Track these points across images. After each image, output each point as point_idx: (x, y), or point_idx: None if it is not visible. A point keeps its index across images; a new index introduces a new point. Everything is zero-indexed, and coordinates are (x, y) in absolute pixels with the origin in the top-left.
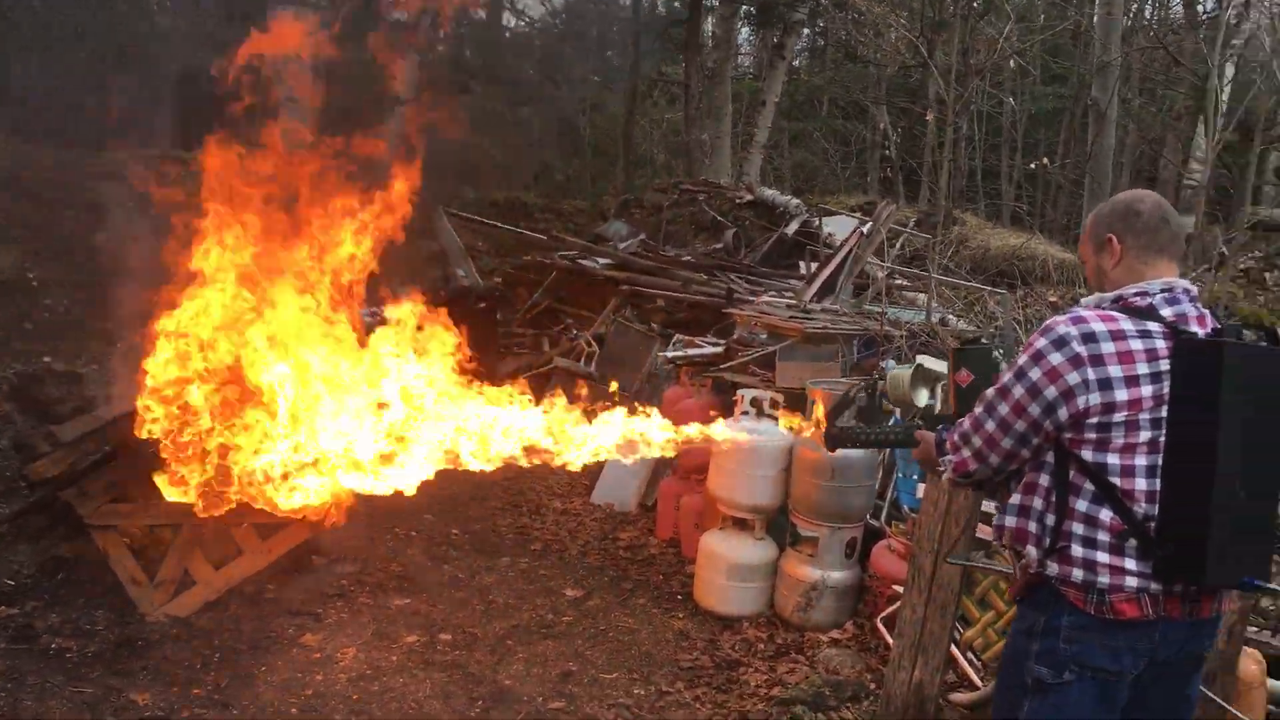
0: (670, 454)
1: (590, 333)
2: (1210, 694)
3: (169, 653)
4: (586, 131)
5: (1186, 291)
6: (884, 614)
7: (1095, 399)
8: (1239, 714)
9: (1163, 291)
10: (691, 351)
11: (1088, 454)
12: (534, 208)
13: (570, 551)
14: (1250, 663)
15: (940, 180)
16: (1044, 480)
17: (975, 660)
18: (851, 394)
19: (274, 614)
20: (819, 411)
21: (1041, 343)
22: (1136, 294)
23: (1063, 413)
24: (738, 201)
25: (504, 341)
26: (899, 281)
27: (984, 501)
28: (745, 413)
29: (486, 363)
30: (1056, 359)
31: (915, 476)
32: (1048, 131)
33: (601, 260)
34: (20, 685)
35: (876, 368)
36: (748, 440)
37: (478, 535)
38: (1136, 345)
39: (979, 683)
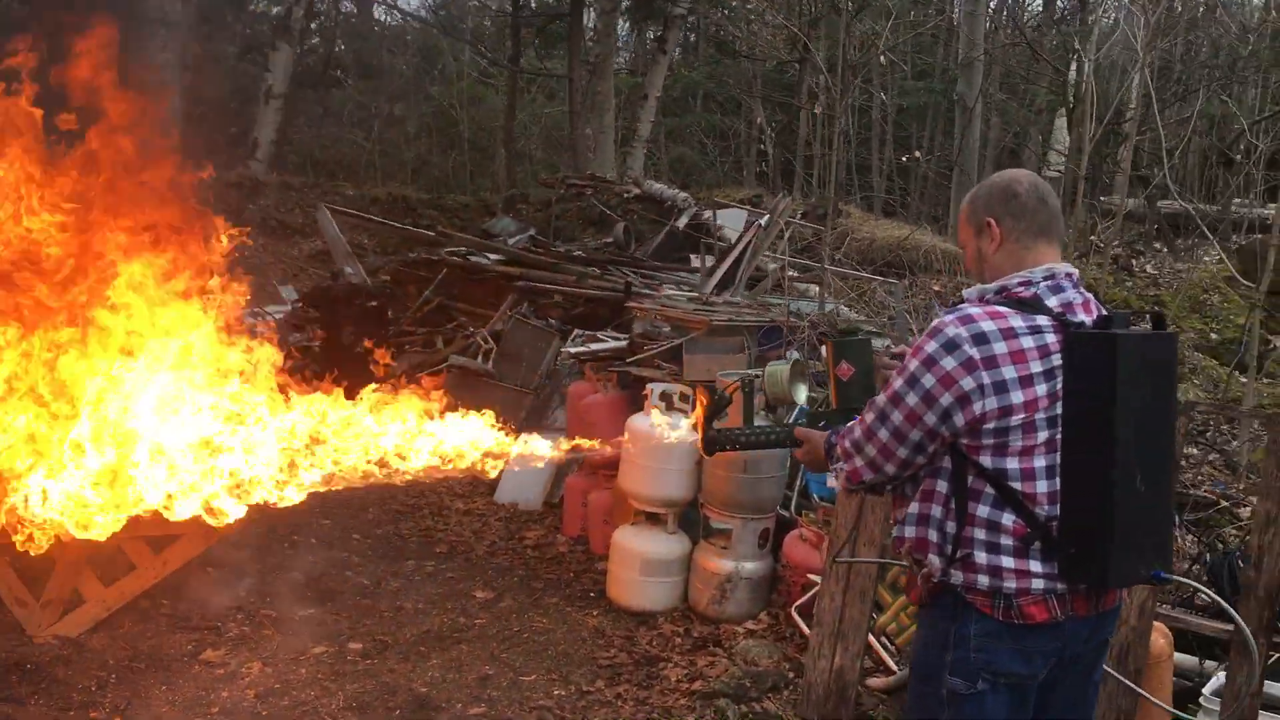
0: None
1: (487, 330)
2: (1118, 675)
3: (61, 674)
4: (464, 126)
5: (1069, 276)
6: (798, 603)
7: (991, 404)
8: (1148, 695)
9: (1045, 280)
10: (595, 346)
11: (986, 460)
12: (416, 203)
13: (477, 553)
14: (1158, 637)
15: (829, 174)
16: (942, 487)
17: (889, 645)
18: (728, 394)
19: (171, 630)
20: (697, 414)
21: (932, 346)
22: (1020, 284)
23: (959, 419)
24: (625, 196)
25: (395, 340)
26: (791, 274)
27: None
28: (655, 407)
29: (379, 361)
30: (949, 364)
31: None
32: (917, 125)
33: (492, 256)
34: None
35: (784, 359)
36: (659, 434)
37: (380, 540)
38: (1028, 343)
39: (894, 667)
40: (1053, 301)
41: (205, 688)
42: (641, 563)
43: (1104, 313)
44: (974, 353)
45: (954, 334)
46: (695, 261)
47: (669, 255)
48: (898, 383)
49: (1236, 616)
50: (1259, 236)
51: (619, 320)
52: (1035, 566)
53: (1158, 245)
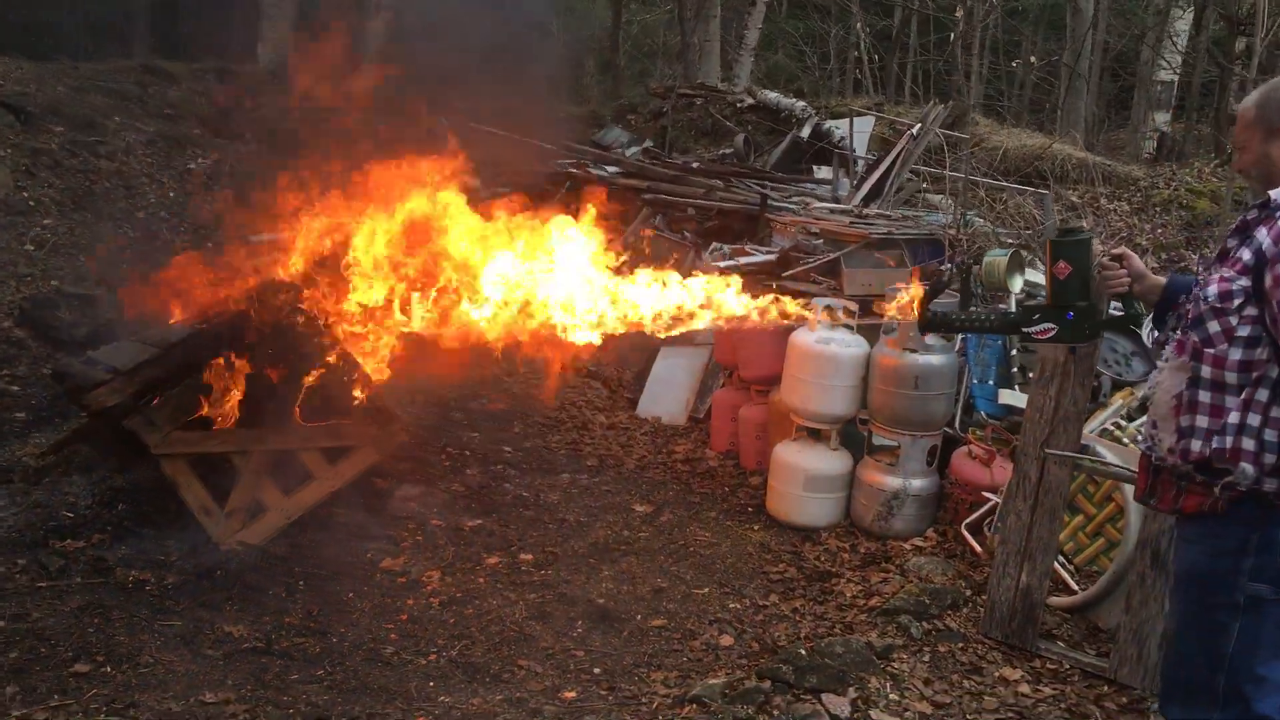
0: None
1: (620, 242)
2: None
3: (251, 580)
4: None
5: None
6: (968, 520)
7: None
8: None
9: None
10: (742, 260)
11: None
12: (526, 115)
13: (627, 466)
14: None
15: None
16: (1262, 396)
17: (1067, 564)
18: (946, 278)
19: (348, 539)
20: (915, 293)
21: None
22: None
23: None
24: (738, 106)
25: None
26: (924, 185)
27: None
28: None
29: None
30: None
31: (991, 382)
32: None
33: (610, 168)
34: (107, 619)
35: (940, 274)
36: (826, 350)
37: (531, 453)
38: None
39: (1074, 586)
40: None
41: (390, 595)
42: (805, 478)
43: None
44: None
45: None
46: (819, 173)
47: (790, 167)
48: None
49: None
50: None
51: (754, 233)
52: None
53: None
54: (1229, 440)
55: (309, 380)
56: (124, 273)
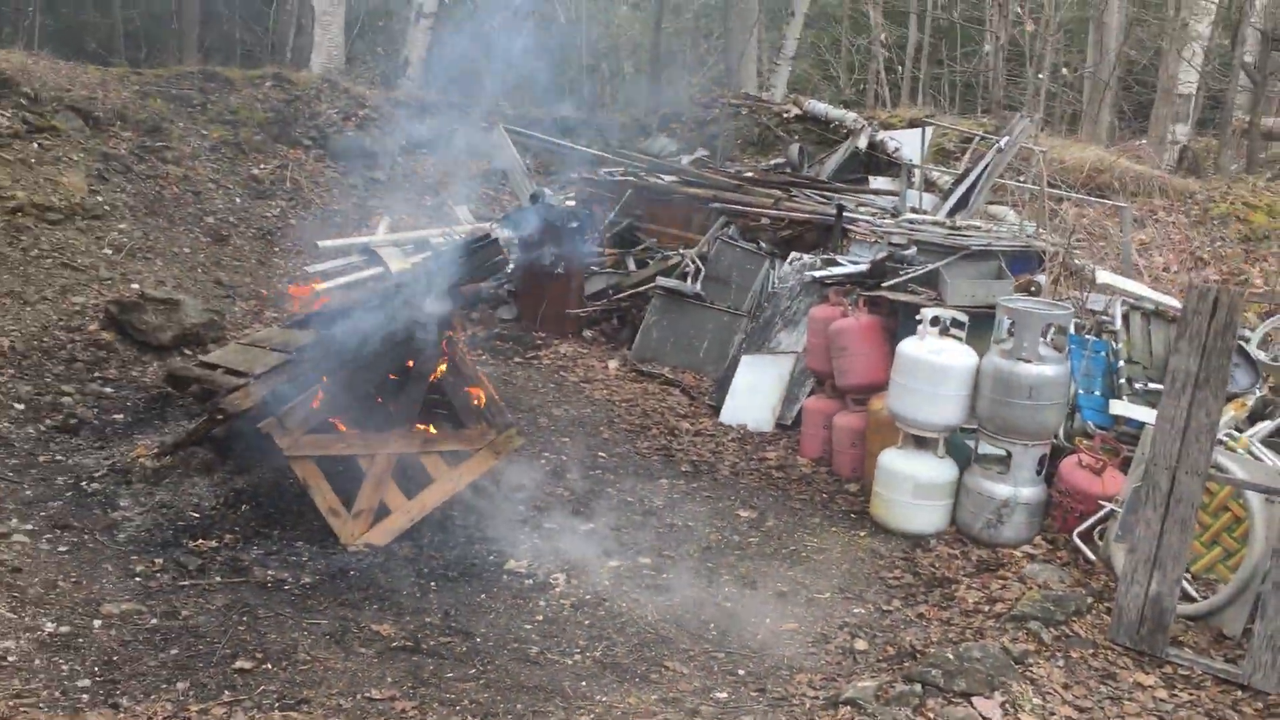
0: None
1: (695, 251)
2: None
3: (383, 580)
4: (583, 44)
5: None
6: (1080, 528)
7: None
8: None
9: None
10: (836, 271)
11: None
12: (575, 122)
13: (721, 472)
14: None
15: (1026, 92)
16: None
17: (1185, 573)
18: None
19: (469, 541)
20: None
21: None
22: None
23: None
24: (785, 116)
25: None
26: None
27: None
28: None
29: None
30: None
31: (1097, 393)
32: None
33: (667, 177)
34: (254, 618)
35: (1031, 285)
36: (938, 359)
37: (623, 458)
38: None
39: (1194, 594)
40: None
41: (521, 596)
42: (914, 486)
43: None
44: None
45: None
46: (874, 183)
47: (846, 177)
48: None
49: None
50: None
51: (829, 243)
52: None
53: None
54: None
55: (430, 383)
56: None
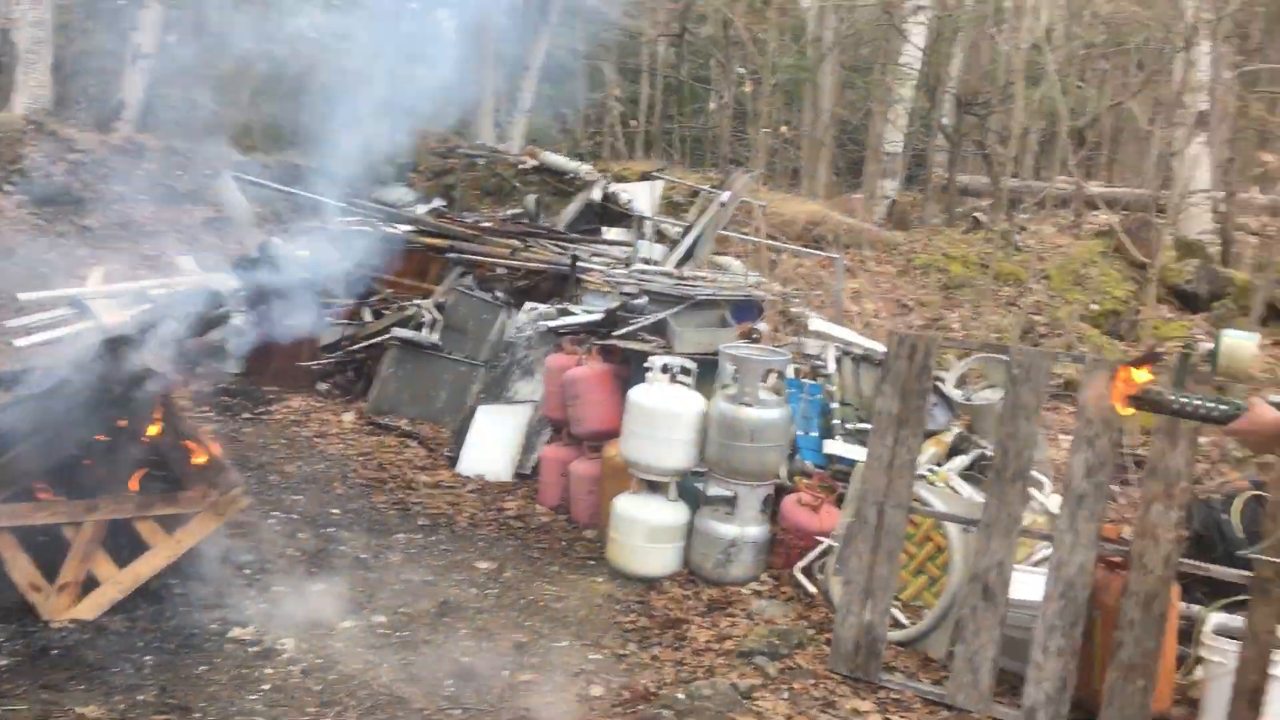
0: None
1: (432, 301)
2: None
3: (92, 658)
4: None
5: None
6: (801, 564)
7: None
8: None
9: None
10: (568, 320)
11: None
12: (306, 170)
13: (459, 524)
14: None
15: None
16: None
17: (895, 601)
18: (1159, 353)
19: (188, 610)
20: (1134, 375)
21: None
22: None
23: None
24: (520, 167)
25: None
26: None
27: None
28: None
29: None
30: None
31: (814, 434)
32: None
33: (403, 227)
34: None
35: (752, 332)
36: (666, 406)
37: (358, 514)
38: None
39: (904, 621)
40: None
41: (245, 665)
42: (648, 530)
43: None
44: None
45: None
46: (607, 234)
47: (581, 228)
48: None
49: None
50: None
51: (564, 292)
52: None
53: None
54: None
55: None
56: None
